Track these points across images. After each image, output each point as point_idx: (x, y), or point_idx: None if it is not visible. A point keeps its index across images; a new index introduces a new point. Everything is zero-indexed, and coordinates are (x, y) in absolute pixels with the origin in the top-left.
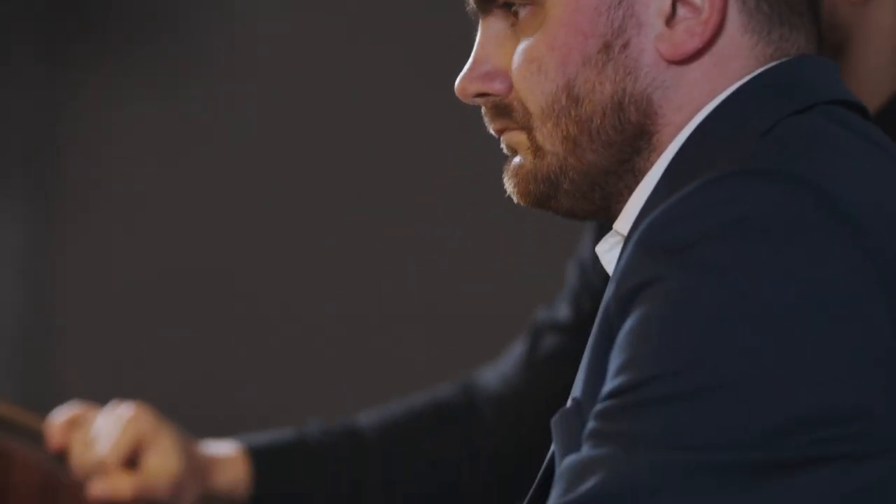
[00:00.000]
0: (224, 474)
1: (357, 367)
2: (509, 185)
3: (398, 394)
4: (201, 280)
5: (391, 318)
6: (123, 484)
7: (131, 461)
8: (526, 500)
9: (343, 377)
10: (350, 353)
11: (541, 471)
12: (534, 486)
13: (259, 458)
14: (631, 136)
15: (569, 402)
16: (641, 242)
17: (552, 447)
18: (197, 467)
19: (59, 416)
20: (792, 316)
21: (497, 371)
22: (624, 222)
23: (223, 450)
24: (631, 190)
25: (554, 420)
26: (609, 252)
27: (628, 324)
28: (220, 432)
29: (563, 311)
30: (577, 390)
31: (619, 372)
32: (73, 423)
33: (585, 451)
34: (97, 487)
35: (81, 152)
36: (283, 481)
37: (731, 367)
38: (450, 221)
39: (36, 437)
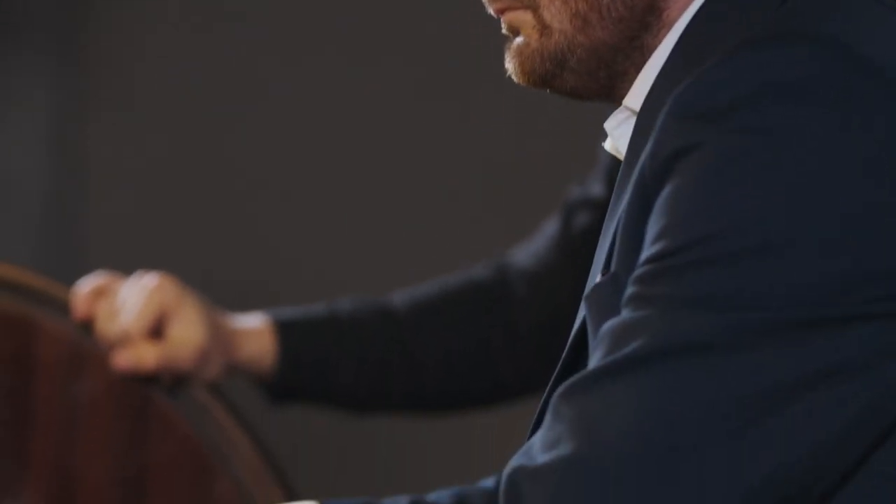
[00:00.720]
0: (250, 346)
1: (393, 242)
2: (511, 66)
3: (430, 274)
4: (234, 151)
5: (420, 197)
6: (148, 354)
7: (156, 331)
8: (554, 376)
9: (378, 252)
10: (385, 227)
11: (568, 345)
12: (561, 361)
13: (286, 330)
14: (641, 12)
15: (599, 277)
16: (676, 111)
17: (578, 321)
18: (222, 338)
19: (85, 286)
20: (838, 177)
21: (530, 249)
22: (634, 98)
23: (250, 322)
24: (638, 67)
25: (587, 294)
26: (618, 128)
27: (667, 191)
28: (247, 305)
29: (595, 188)
30: (612, 263)
31: (659, 237)
32: (99, 293)
33: (625, 314)
34: (122, 357)
35: (115, 10)
36: (309, 354)
37: (776, 228)
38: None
39: (61, 306)
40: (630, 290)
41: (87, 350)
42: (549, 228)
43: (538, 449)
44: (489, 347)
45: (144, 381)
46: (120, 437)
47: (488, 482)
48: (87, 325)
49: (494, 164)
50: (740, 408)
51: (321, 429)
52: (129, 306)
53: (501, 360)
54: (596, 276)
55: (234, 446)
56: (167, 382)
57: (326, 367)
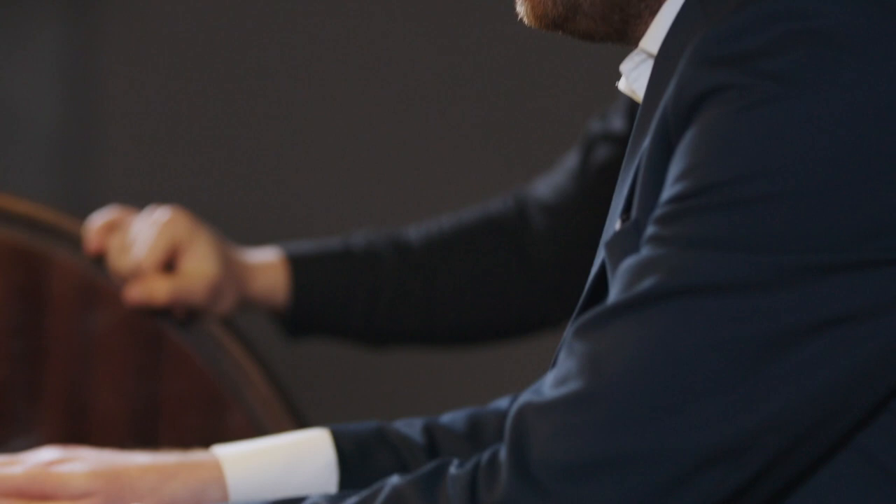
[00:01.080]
0: (262, 280)
1: (408, 178)
2: (523, 9)
3: (446, 210)
4: (248, 84)
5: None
6: (160, 287)
7: (168, 265)
8: (573, 318)
9: (393, 187)
10: (401, 162)
11: (586, 289)
12: (580, 304)
13: (299, 264)
14: None
15: (619, 222)
16: (700, 55)
17: (596, 266)
18: (235, 272)
19: (97, 220)
20: (861, 123)
21: (550, 181)
22: (651, 41)
23: (263, 255)
24: (652, 11)
25: (607, 241)
26: (634, 70)
27: (689, 133)
28: (260, 240)
29: (616, 122)
30: (632, 209)
31: (680, 178)
32: (111, 227)
33: (643, 253)
34: (134, 291)
35: None
36: (323, 288)
37: (796, 173)
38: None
39: (74, 240)
40: (649, 229)
41: (99, 284)
42: (569, 161)
43: (548, 385)
44: (505, 280)
45: (157, 314)
46: (132, 371)
47: (503, 402)
48: (100, 259)
49: (510, 99)
50: (751, 348)
51: (334, 361)
52: (142, 240)
53: (517, 292)
54: (615, 219)
55: (246, 379)
56: (179, 316)
57: (340, 300)
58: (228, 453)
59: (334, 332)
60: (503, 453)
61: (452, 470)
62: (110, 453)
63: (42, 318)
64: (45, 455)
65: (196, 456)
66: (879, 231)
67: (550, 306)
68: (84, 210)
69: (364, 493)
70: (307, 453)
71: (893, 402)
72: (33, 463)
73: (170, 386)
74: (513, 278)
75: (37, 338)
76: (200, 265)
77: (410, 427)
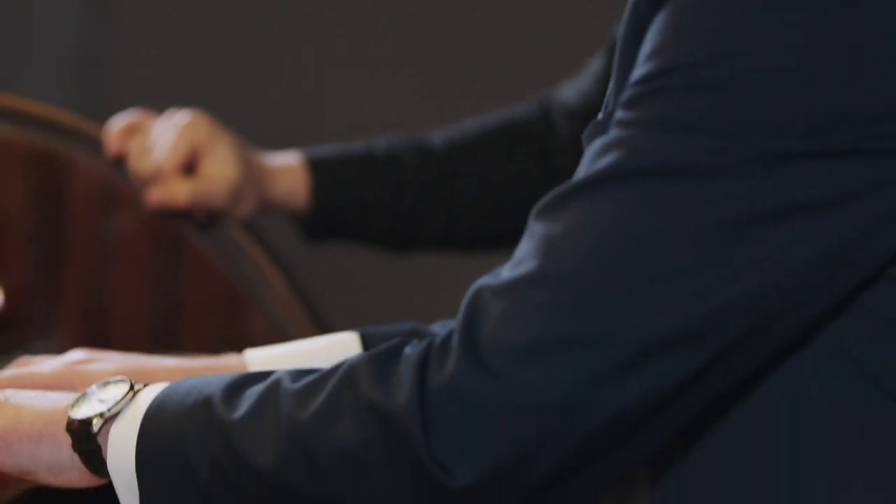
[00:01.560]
0: (283, 183)
1: (429, 84)
2: None
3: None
4: None
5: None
6: (180, 190)
7: (189, 168)
8: None
9: (414, 93)
10: (423, 67)
11: None
12: None
13: (320, 167)
14: None
15: (599, 115)
16: None
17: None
18: (255, 175)
19: (117, 123)
20: (835, 8)
21: (575, 86)
22: None
23: (283, 159)
24: None
25: (584, 133)
26: None
27: (660, 16)
28: (280, 144)
29: None
30: (607, 100)
31: (647, 59)
32: (131, 130)
33: (610, 134)
34: (154, 194)
35: None
36: (343, 191)
37: (768, 57)
38: None
39: (94, 143)
40: (617, 113)
41: (119, 187)
42: (594, 66)
43: (506, 267)
44: (528, 184)
45: (177, 217)
46: (153, 274)
47: None
48: (120, 162)
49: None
50: (712, 232)
51: (354, 264)
52: (162, 143)
53: (540, 196)
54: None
55: (266, 282)
56: (200, 219)
57: (361, 203)
58: (257, 357)
59: (355, 235)
60: (456, 329)
61: (407, 350)
62: (137, 355)
63: (62, 222)
64: (73, 356)
65: (225, 359)
66: (849, 119)
67: None
68: (104, 114)
69: (329, 368)
70: (337, 357)
71: (868, 300)
72: (61, 363)
73: (190, 289)
74: (536, 183)
75: (57, 241)
76: (221, 168)
77: (446, 329)
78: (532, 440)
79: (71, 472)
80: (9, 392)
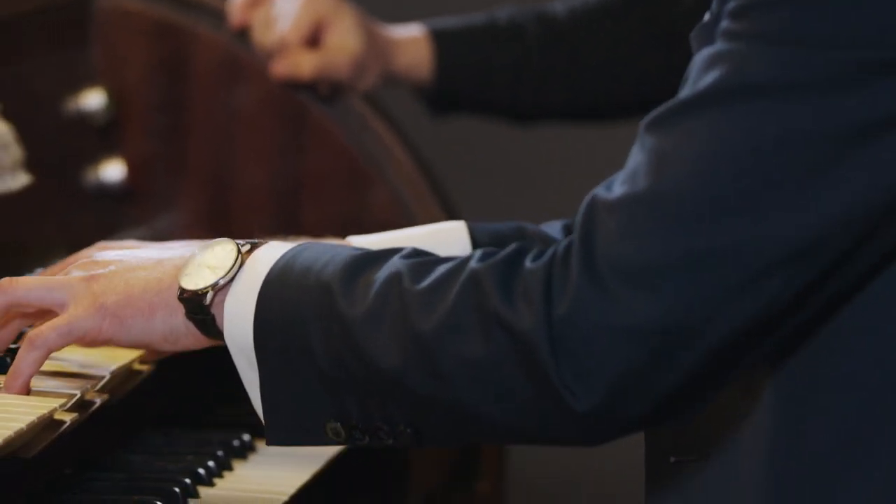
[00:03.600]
0: (406, 55)
1: None
2: None
3: None
4: None
5: None
6: (304, 62)
7: (312, 40)
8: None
9: None
10: None
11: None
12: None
13: (444, 38)
14: None
15: (707, 16)
16: None
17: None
18: (378, 47)
19: None
20: None
21: None
22: None
23: (406, 31)
24: None
25: (692, 34)
26: None
27: None
28: (402, 18)
29: None
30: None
31: None
32: (255, 2)
33: (716, 45)
34: (278, 66)
35: None
36: (468, 62)
37: None
38: None
39: (217, 15)
40: (723, 23)
41: (243, 59)
42: None
43: (618, 181)
44: (651, 55)
45: (301, 89)
46: (276, 147)
47: None
48: (243, 34)
49: None
50: (818, 147)
51: (478, 137)
52: (286, 14)
53: (663, 67)
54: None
55: (389, 156)
56: (324, 91)
57: (485, 74)
58: (360, 243)
59: (478, 107)
60: (575, 247)
61: (528, 263)
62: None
63: (185, 94)
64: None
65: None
66: None
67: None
68: None
69: (447, 266)
70: (442, 244)
71: None
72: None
73: (313, 162)
74: (659, 53)
75: (181, 113)
76: (344, 40)
77: (552, 227)
78: (651, 361)
79: (187, 339)
80: (116, 259)
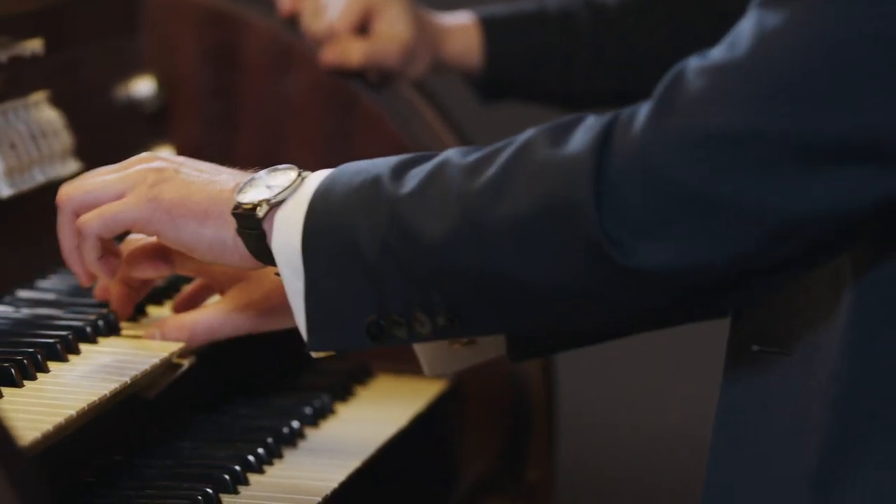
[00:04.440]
0: (456, 42)
1: None
2: None
3: None
4: None
5: None
6: (354, 49)
7: (361, 27)
8: None
9: None
10: None
11: None
12: None
13: (493, 26)
14: None
15: None
16: None
17: None
18: (428, 34)
19: None
20: None
21: None
22: None
23: (456, 19)
24: None
25: None
26: None
27: None
28: (451, 5)
29: None
30: None
31: None
32: None
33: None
34: (328, 53)
35: None
36: (517, 49)
37: None
38: None
39: (268, 2)
40: None
41: (293, 46)
42: None
43: (718, 47)
44: (702, 41)
45: (350, 77)
46: (325, 134)
47: None
48: (293, 21)
49: None
50: None
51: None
52: (335, 2)
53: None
54: None
55: (439, 143)
56: (373, 79)
57: (535, 62)
58: None
59: (528, 95)
60: (648, 105)
61: (589, 119)
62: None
63: (235, 81)
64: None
65: None
66: None
67: None
68: None
69: (502, 142)
70: None
71: None
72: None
73: (362, 149)
74: (710, 39)
75: (230, 100)
76: (394, 27)
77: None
78: (713, 233)
79: (232, 254)
80: (178, 161)
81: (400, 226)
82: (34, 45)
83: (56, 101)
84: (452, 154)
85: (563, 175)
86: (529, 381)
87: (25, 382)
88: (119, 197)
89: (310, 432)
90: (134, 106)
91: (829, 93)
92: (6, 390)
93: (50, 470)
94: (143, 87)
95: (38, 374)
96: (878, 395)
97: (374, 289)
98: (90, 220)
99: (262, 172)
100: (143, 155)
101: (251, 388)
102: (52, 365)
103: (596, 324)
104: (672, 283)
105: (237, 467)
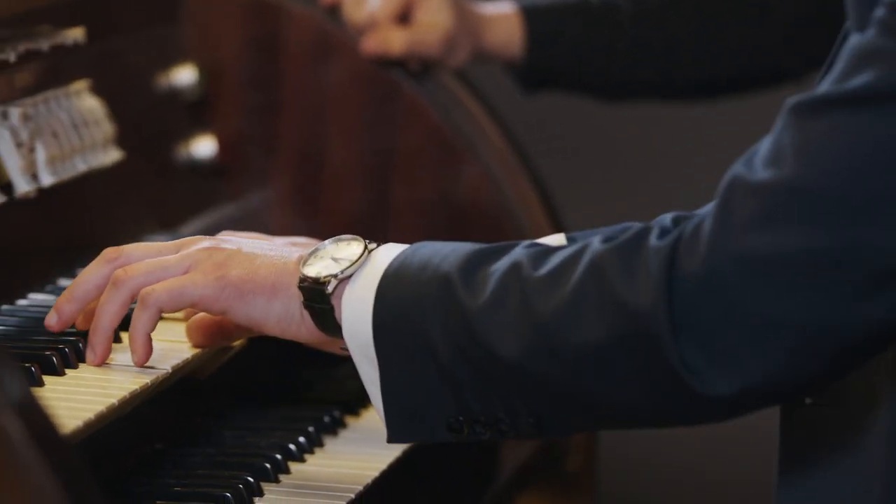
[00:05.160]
0: (497, 31)
1: None
2: None
3: None
4: None
5: None
6: (395, 39)
7: (403, 17)
8: (819, 76)
9: None
10: None
11: (835, 47)
12: (827, 61)
13: (535, 15)
14: None
15: None
16: None
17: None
18: (469, 24)
19: None
20: None
21: None
22: None
23: (498, 8)
24: None
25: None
26: None
27: None
28: None
29: None
30: None
31: None
32: None
33: (869, 36)
34: (369, 42)
35: None
36: (559, 39)
37: None
38: None
39: None
40: (878, 10)
41: (334, 36)
42: None
43: (760, 161)
44: (744, 31)
45: (391, 66)
46: (367, 123)
47: None
48: (335, 10)
49: None
50: None
51: (569, 114)
52: None
53: (757, 43)
54: None
55: (481, 132)
56: (414, 68)
57: (576, 51)
58: None
59: (570, 84)
60: (708, 225)
61: (653, 240)
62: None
63: (277, 70)
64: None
65: None
66: None
67: (791, 59)
68: None
69: (567, 252)
70: None
71: None
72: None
73: (404, 138)
74: (752, 29)
75: (272, 89)
76: (435, 16)
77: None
78: (785, 355)
79: (300, 328)
80: (238, 241)
81: (474, 338)
82: (76, 34)
83: (98, 90)
84: (523, 260)
85: (636, 310)
86: None
87: (67, 371)
88: (184, 273)
89: (350, 421)
90: (175, 95)
91: (880, 209)
92: (48, 379)
93: (91, 458)
94: (185, 75)
95: (80, 363)
96: None
97: (452, 391)
98: (157, 292)
99: (326, 243)
100: (199, 237)
101: (292, 376)
102: None
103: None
104: (750, 403)
105: (278, 456)
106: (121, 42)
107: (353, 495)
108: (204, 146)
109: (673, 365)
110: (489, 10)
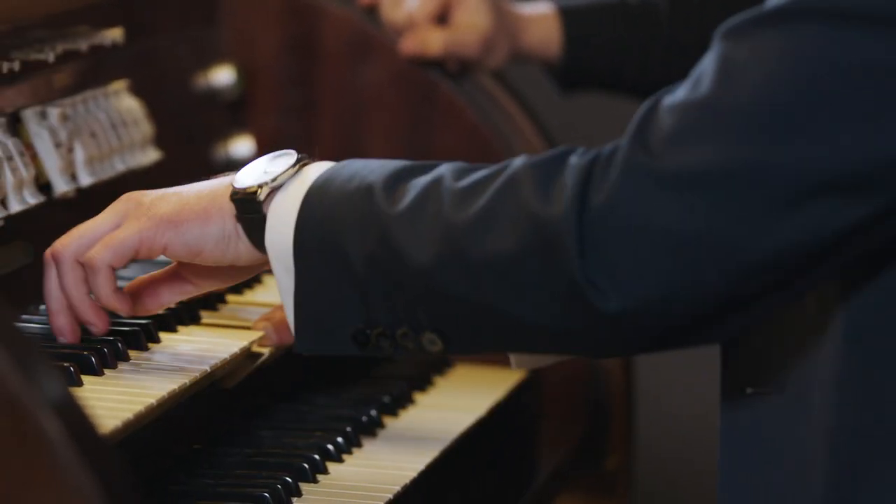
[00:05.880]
0: (535, 32)
1: None
2: None
3: None
4: None
5: None
6: (433, 39)
7: (441, 17)
8: None
9: None
10: None
11: None
12: None
13: (573, 16)
14: None
15: None
16: None
17: None
18: (507, 24)
19: None
20: None
21: None
22: None
23: (536, 8)
24: None
25: None
26: None
27: None
28: None
29: None
30: None
31: None
32: None
33: None
34: (407, 43)
35: None
36: (597, 39)
37: None
38: None
39: None
40: None
41: (372, 36)
42: None
43: (685, 84)
44: None
45: (429, 67)
46: (404, 124)
47: None
48: (373, 11)
49: None
50: (890, 82)
51: (607, 113)
52: None
53: None
54: None
55: (519, 133)
56: (452, 69)
57: (614, 52)
58: None
59: (607, 84)
60: (625, 143)
61: (573, 158)
62: None
63: (315, 70)
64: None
65: None
66: None
67: None
68: None
69: (492, 168)
70: None
71: None
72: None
73: (442, 139)
74: None
75: (310, 90)
76: (473, 17)
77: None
78: (685, 270)
79: (238, 247)
80: (163, 189)
81: (389, 244)
82: (114, 35)
83: (136, 91)
84: (446, 173)
85: (547, 221)
86: (609, 371)
87: (105, 371)
88: (116, 229)
89: (388, 421)
90: (213, 95)
91: (793, 127)
92: (87, 379)
93: (130, 458)
94: (223, 76)
95: (119, 363)
96: (877, 420)
97: (361, 299)
98: (98, 252)
99: (261, 158)
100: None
101: (329, 376)
102: (131, 353)
103: (581, 355)
104: (648, 323)
105: (316, 456)
106: (159, 42)
107: (390, 496)
108: (242, 146)
109: (576, 277)
110: (527, 10)
